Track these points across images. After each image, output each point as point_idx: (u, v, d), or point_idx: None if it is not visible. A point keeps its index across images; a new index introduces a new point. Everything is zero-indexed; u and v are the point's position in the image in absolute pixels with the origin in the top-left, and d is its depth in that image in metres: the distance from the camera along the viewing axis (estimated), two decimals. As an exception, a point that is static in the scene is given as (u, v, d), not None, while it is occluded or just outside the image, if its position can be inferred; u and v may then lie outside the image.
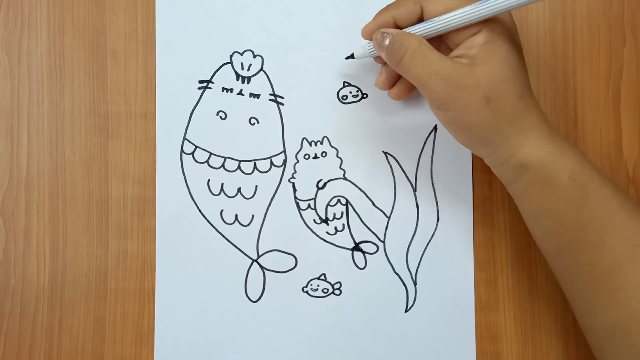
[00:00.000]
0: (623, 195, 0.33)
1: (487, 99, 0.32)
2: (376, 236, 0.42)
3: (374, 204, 0.41)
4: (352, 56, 0.39)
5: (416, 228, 0.41)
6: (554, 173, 0.33)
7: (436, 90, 0.32)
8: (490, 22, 0.33)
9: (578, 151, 0.34)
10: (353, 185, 0.41)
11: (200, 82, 0.41)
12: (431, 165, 0.41)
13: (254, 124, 0.41)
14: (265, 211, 0.41)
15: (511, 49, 0.33)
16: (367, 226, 0.41)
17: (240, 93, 0.41)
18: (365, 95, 0.41)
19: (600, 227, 0.32)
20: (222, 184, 0.41)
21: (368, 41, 0.37)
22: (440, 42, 0.36)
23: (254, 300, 0.41)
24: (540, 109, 0.34)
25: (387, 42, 0.34)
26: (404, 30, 0.35)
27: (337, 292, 0.41)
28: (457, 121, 0.33)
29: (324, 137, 0.41)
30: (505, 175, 0.35)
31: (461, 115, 0.33)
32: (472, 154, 0.41)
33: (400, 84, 0.39)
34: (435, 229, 0.41)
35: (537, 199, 0.34)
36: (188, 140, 0.41)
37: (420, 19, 0.35)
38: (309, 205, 0.41)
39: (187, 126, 0.41)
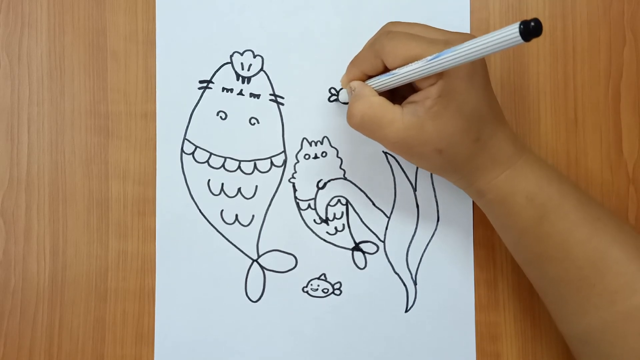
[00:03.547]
0: (586, 208, 0.34)
1: (439, 151, 0.33)
2: (376, 236, 0.42)
3: (374, 204, 0.42)
4: (337, 98, 0.41)
5: (416, 228, 0.42)
6: (510, 196, 0.34)
7: (391, 149, 0.34)
8: (445, 74, 0.32)
9: (543, 169, 0.34)
10: (353, 185, 0.41)
11: (201, 82, 0.41)
12: (431, 165, 0.41)
13: (254, 124, 0.41)
14: (265, 211, 0.41)
15: (465, 99, 0.32)
16: (367, 226, 0.42)
17: (240, 93, 0.41)
18: (365, 95, 0.41)
19: (561, 242, 0.33)
20: (223, 184, 0.41)
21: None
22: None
23: (254, 300, 0.41)
24: (504, 135, 0.34)
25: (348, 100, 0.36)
26: (365, 83, 0.36)
27: (337, 292, 0.41)
28: (418, 165, 0.37)
29: (324, 137, 0.41)
30: (469, 195, 0.37)
31: (418, 163, 0.36)
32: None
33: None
34: (435, 229, 0.42)
35: (497, 218, 0.36)
36: (188, 140, 0.41)
37: (387, 68, 0.34)
38: (309, 205, 0.41)
39: (187, 126, 0.41)
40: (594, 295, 0.33)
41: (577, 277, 0.33)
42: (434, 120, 0.32)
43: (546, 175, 0.34)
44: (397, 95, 0.36)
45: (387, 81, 0.34)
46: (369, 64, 0.35)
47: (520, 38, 0.25)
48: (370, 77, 0.36)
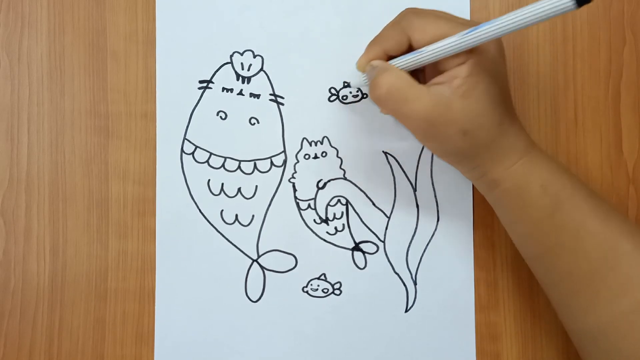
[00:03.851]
0: (597, 201, 0.34)
1: (464, 132, 0.32)
2: (376, 236, 0.42)
3: (374, 204, 0.42)
4: (348, 85, 0.40)
5: (416, 228, 0.42)
6: (525, 184, 0.34)
7: (414, 127, 0.33)
8: (475, 53, 0.32)
9: (553, 162, 0.35)
10: (353, 185, 0.41)
11: (201, 82, 0.41)
12: (431, 165, 0.41)
13: (254, 124, 0.41)
14: (265, 211, 0.41)
15: (493, 80, 0.33)
16: (367, 226, 0.42)
17: (240, 93, 0.41)
18: (365, 95, 0.41)
19: (574, 233, 0.33)
20: (222, 184, 0.41)
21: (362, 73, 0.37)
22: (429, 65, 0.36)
23: (254, 300, 0.41)
24: (519, 125, 0.35)
25: (370, 83, 0.35)
26: (388, 62, 0.35)
27: (337, 292, 0.41)
28: (436, 149, 0.35)
29: (324, 137, 0.41)
30: (480, 187, 0.36)
31: (439, 146, 0.34)
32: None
33: None
34: (435, 229, 0.42)
35: (510, 209, 0.35)
36: (188, 140, 0.41)
37: (411, 48, 0.34)
38: (309, 205, 0.41)
39: (187, 126, 0.41)
40: (605, 288, 0.32)
41: (588, 269, 0.33)
42: (462, 99, 0.32)
43: (557, 166, 0.34)
44: (416, 79, 0.35)
45: (414, 59, 0.33)
46: (394, 41, 0.34)
47: (572, 4, 0.24)
48: (390, 58, 0.35)
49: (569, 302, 0.34)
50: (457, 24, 0.32)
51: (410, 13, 0.34)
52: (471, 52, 0.32)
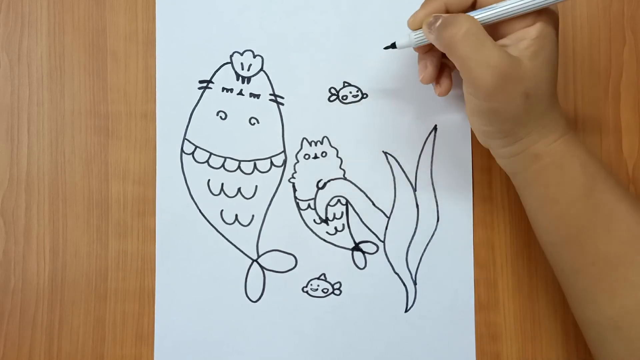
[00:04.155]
0: (624, 188, 0.34)
1: (527, 95, 0.32)
2: (376, 236, 0.42)
3: (374, 204, 0.41)
4: (392, 46, 0.37)
5: (416, 228, 0.41)
6: (567, 160, 0.33)
7: (483, 77, 0.32)
8: (544, 14, 0.33)
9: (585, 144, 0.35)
10: (353, 185, 0.41)
11: (201, 82, 0.41)
12: (431, 165, 0.41)
13: (254, 124, 0.41)
14: (265, 211, 0.41)
15: (555, 47, 0.33)
16: (367, 226, 0.41)
17: (240, 93, 0.41)
18: (365, 95, 0.41)
19: (607, 215, 0.33)
20: (222, 184, 0.41)
21: (414, 31, 0.35)
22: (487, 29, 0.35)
23: (254, 300, 0.41)
24: (559, 104, 0.35)
25: (438, 23, 0.33)
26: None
27: (337, 292, 0.41)
28: (492, 111, 0.33)
29: (324, 137, 0.41)
30: (515, 164, 0.35)
31: (499, 107, 0.32)
32: (471, 154, 0.41)
33: (446, 78, 0.38)
34: (435, 229, 0.41)
35: (547, 186, 0.34)
36: (188, 140, 0.41)
37: (472, 8, 0.34)
38: (309, 205, 0.41)
39: (187, 126, 0.41)
40: (632, 272, 0.32)
41: (617, 252, 0.33)
42: (531, 60, 0.32)
43: (590, 150, 0.35)
44: None
45: (486, 14, 0.33)
46: None
47: None
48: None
49: (591, 289, 0.34)
50: None
51: None
52: (539, 15, 0.32)
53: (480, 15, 0.33)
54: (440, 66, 0.37)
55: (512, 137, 0.34)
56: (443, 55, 0.37)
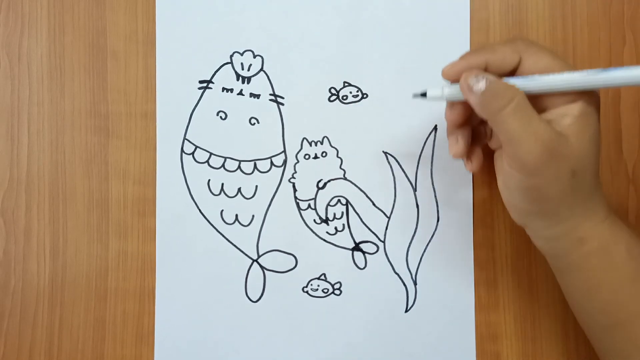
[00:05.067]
0: None
1: (574, 173, 0.31)
2: (376, 236, 0.42)
3: (374, 204, 0.42)
4: (424, 95, 0.34)
5: (416, 228, 0.42)
6: (613, 244, 0.32)
7: (532, 152, 0.30)
8: (586, 93, 0.31)
9: (629, 226, 0.34)
10: (353, 185, 0.41)
11: (201, 82, 0.41)
12: (431, 165, 0.41)
13: (254, 124, 0.41)
14: (265, 211, 0.41)
15: (598, 126, 0.32)
16: (367, 226, 0.42)
17: (240, 93, 0.41)
18: (365, 95, 0.41)
19: None
20: (222, 184, 0.41)
21: (447, 82, 0.33)
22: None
23: (254, 300, 0.41)
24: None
25: (481, 85, 0.31)
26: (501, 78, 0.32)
27: (337, 292, 0.41)
28: (536, 189, 0.31)
29: (324, 137, 0.41)
30: (558, 248, 0.33)
31: (545, 184, 0.31)
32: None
33: (477, 153, 0.36)
34: (435, 229, 0.41)
35: (593, 272, 0.33)
36: (188, 140, 0.41)
37: (513, 72, 0.32)
38: (309, 205, 0.41)
39: (187, 126, 0.41)
40: None
41: None
42: (577, 138, 0.30)
43: (633, 230, 0.33)
44: None
45: (532, 85, 0.31)
46: (503, 57, 0.32)
47: None
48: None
49: None
50: (567, 64, 0.31)
51: (526, 39, 0.33)
52: (582, 93, 0.31)
53: (523, 84, 0.31)
54: (472, 137, 0.35)
55: (554, 218, 0.32)
56: (475, 124, 0.35)
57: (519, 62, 0.32)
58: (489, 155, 0.36)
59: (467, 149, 0.35)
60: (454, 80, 0.32)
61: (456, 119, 0.34)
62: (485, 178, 0.42)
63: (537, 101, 0.32)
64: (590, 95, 0.31)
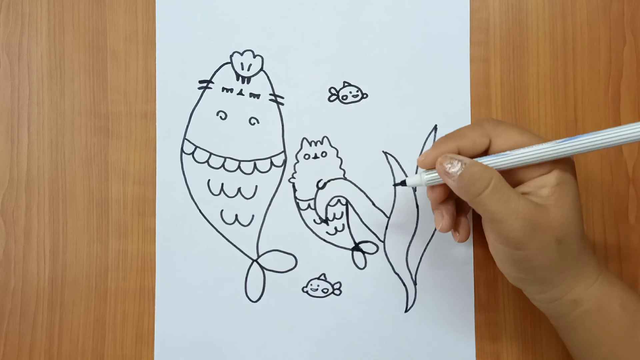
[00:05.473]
0: None
1: (559, 241, 0.32)
2: (376, 236, 0.42)
3: (374, 204, 0.42)
4: (402, 183, 0.36)
5: (416, 228, 0.42)
6: (606, 303, 0.33)
7: (515, 229, 0.31)
8: (561, 163, 0.32)
9: (619, 279, 0.35)
10: (353, 185, 0.41)
11: (200, 82, 0.41)
12: (431, 165, 0.41)
13: (254, 124, 0.41)
14: (265, 211, 0.41)
15: (577, 191, 0.33)
16: (367, 226, 0.42)
17: (240, 93, 0.41)
18: (365, 95, 0.41)
19: None
20: (222, 184, 0.41)
21: (425, 170, 0.35)
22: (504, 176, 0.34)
23: (254, 300, 0.41)
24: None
25: (457, 169, 0.32)
26: (475, 160, 0.33)
27: (337, 292, 0.41)
28: (525, 260, 0.32)
29: (324, 137, 0.41)
30: (555, 310, 0.35)
31: (532, 255, 0.32)
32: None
33: (464, 225, 0.37)
34: (435, 229, 0.41)
35: (590, 331, 0.34)
36: (188, 140, 0.41)
37: (485, 153, 0.34)
38: (309, 205, 0.41)
39: (187, 126, 0.41)
40: None
41: None
42: (557, 207, 0.32)
43: (625, 284, 0.34)
44: None
45: (502, 161, 0.33)
46: (472, 141, 0.33)
47: None
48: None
49: None
50: (535, 136, 0.32)
51: (492, 120, 0.34)
52: (556, 162, 0.32)
53: (497, 162, 0.33)
54: (456, 210, 0.37)
55: (548, 284, 0.33)
56: (457, 200, 0.36)
57: (489, 144, 0.33)
58: (478, 216, 0.36)
59: (454, 222, 0.36)
60: (430, 167, 0.34)
61: (438, 197, 0.36)
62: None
63: (513, 175, 0.33)
64: (564, 162, 0.32)
